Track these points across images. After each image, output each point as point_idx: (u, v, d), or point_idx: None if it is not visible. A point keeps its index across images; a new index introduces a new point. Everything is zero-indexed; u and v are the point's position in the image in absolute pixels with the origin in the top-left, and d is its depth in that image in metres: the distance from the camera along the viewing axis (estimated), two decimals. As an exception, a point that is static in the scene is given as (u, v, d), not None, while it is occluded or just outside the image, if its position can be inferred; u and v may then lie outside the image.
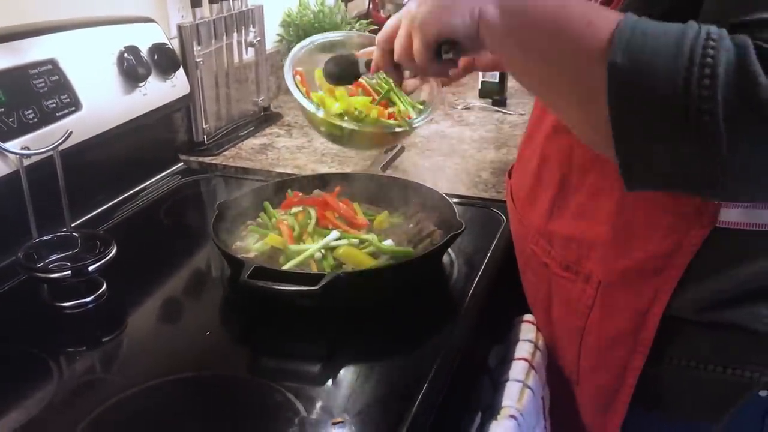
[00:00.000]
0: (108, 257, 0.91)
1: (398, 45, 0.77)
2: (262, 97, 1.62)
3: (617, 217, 0.76)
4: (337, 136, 0.97)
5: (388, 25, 0.79)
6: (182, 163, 1.38)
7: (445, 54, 0.72)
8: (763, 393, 0.75)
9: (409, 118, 0.98)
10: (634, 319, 0.77)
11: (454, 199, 1.09)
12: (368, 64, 0.87)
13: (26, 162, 0.95)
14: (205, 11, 1.40)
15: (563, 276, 0.85)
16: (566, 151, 0.82)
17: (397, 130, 0.96)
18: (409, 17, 0.74)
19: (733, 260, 0.72)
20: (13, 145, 0.94)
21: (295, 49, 1.01)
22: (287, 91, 1.81)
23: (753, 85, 0.52)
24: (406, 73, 0.86)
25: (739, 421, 0.77)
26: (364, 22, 1.91)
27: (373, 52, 0.83)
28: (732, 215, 0.71)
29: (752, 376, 0.74)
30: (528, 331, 0.95)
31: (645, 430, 0.84)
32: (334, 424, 0.70)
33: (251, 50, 1.56)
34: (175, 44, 1.33)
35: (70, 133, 0.99)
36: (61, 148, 0.99)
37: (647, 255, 0.75)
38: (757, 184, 0.58)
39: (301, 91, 0.96)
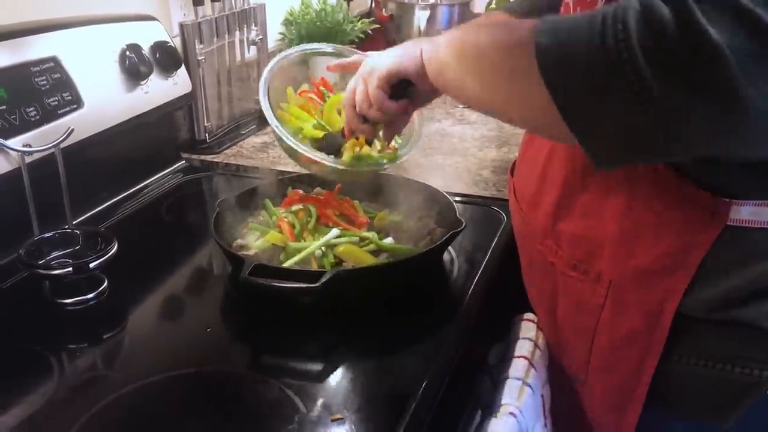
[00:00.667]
0: (109, 254, 0.92)
1: (358, 97, 0.85)
2: (264, 96, 1.62)
3: (626, 216, 0.76)
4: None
5: (349, 88, 0.87)
6: (184, 161, 1.38)
7: (398, 93, 0.83)
8: None
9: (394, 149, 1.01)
10: (647, 318, 0.77)
11: (455, 198, 1.09)
12: (342, 132, 0.95)
13: (28, 159, 0.95)
14: (207, 9, 1.40)
15: (571, 276, 0.84)
16: (572, 149, 0.81)
17: (386, 166, 0.98)
18: (362, 71, 0.84)
19: (745, 259, 0.72)
20: (15, 142, 0.94)
21: (271, 65, 1.01)
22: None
23: (662, 23, 0.52)
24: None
25: (749, 420, 0.77)
26: (367, 20, 1.91)
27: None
28: (743, 213, 0.70)
29: (761, 375, 0.74)
30: (528, 329, 0.95)
31: (656, 429, 0.84)
32: (333, 420, 0.71)
33: (253, 48, 1.56)
34: (177, 42, 1.33)
35: (72, 130, 1.00)
36: (62, 145, 0.99)
37: (658, 254, 0.75)
38: (699, 139, 0.57)
39: (280, 123, 0.96)
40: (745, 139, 0.58)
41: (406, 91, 0.83)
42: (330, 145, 0.97)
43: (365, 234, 0.96)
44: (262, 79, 0.97)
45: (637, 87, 0.54)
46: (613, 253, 0.79)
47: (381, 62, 0.81)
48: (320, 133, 0.99)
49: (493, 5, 1.72)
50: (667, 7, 0.53)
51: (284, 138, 0.93)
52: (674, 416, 0.81)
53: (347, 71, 1.01)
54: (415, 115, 1.01)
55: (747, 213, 0.70)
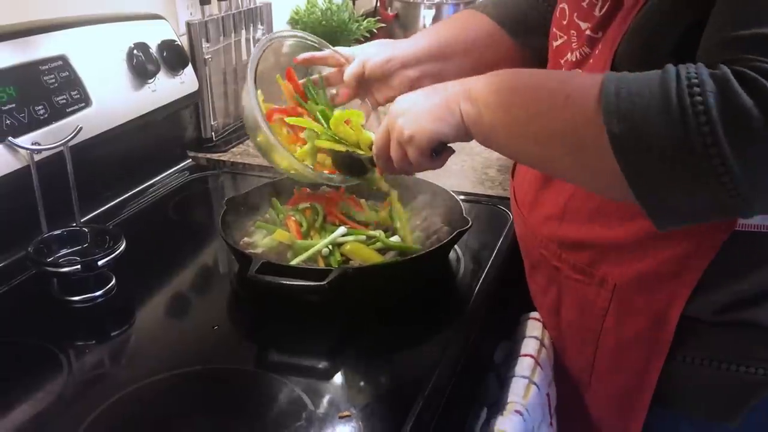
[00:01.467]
0: (117, 252, 0.92)
1: (397, 159, 0.79)
2: (270, 94, 1.63)
3: (632, 222, 0.76)
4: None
5: (380, 140, 0.80)
6: (190, 160, 1.39)
7: (438, 154, 0.78)
8: None
9: None
10: (652, 321, 0.77)
11: (461, 197, 1.09)
12: (371, 161, 0.87)
13: (37, 157, 0.96)
14: (214, 8, 1.41)
15: (576, 279, 0.85)
16: None
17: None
18: (395, 133, 0.77)
19: (754, 263, 0.72)
20: (24, 140, 0.95)
21: (262, 43, 0.93)
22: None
23: (747, 115, 0.53)
24: None
25: (755, 420, 0.77)
26: (372, 20, 1.91)
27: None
28: (754, 219, 0.71)
29: (766, 374, 0.74)
30: (534, 328, 0.95)
31: (662, 430, 0.84)
32: (341, 417, 0.71)
33: (259, 47, 1.56)
34: (183, 41, 1.33)
35: (80, 128, 1.00)
36: (71, 143, 0.99)
37: (664, 259, 0.75)
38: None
39: (273, 134, 0.87)
40: None
41: (445, 146, 0.79)
42: (355, 169, 0.90)
43: (372, 233, 0.96)
44: (249, 71, 0.88)
45: (725, 179, 0.54)
46: (617, 258, 0.79)
47: (418, 131, 0.74)
48: (341, 147, 0.91)
49: (498, 4, 1.72)
50: (749, 97, 0.53)
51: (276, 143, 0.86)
52: (680, 416, 0.82)
53: (313, 64, 0.97)
54: None
55: (758, 218, 0.71)
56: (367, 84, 0.97)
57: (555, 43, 0.86)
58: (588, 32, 0.79)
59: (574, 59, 0.81)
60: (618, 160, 0.58)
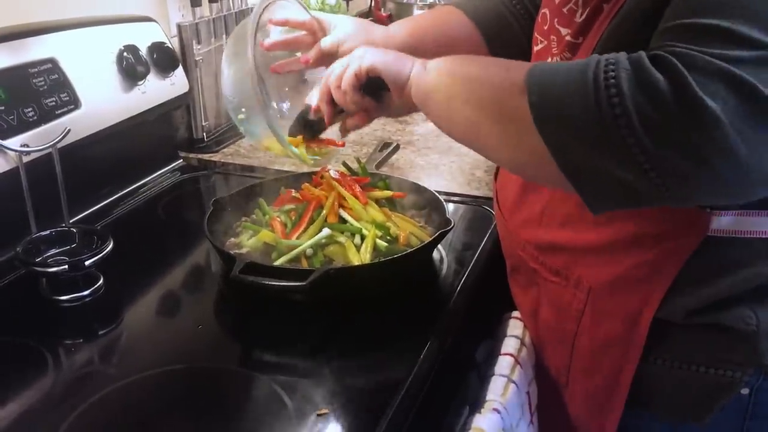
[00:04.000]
0: (104, 252, 0.93)
1: (334, 72, 0.84)
2: (262, 95, 1.64)
3: (607, 226, 0.78)
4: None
5: (334, 64, 0.85)
6: (181, 160, 1.40)
7: (370, 91, 0.82)
8: (744, 391, 0.77)
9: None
10: (626, 324, 0.79)
11: (448, 197, 1.11)
12: (310, 109, 0.93)
13: (26, 159, 0.97)
14: (205, 10, 1.42)
15: (553, 281, 0.86)
16: None
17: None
18: (353, 54, 0.83)
19: (725, 268, 0.74)
20: (13, 142, 0.97)
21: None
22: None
23: (655, 88, 0.55)
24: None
25: (722, 420, 0.79)
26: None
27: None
28: (723, 223, 0.72)
29: (734, 375, 0.76)
30: (515, 327, 0.97)
31: (634, 429, 0.85)
32: (318, 415, 0.72)
33: (251, 48, 1.57)
34: (175, 43, 1.35)
35: (68, 131, 1.01)
36: (59, 145, 1.01)
37: (636, 263, 0.77)
38: (693, 195, 0.60)
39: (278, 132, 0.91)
40: (739, 193, 0.61)
41: (378, 94, 0.83)
42: (302, 125, 0.95)
43: (358, 225, 0.97)
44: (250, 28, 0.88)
45: (635, 150, 0.56)
46: (592, 261, 0.81)
47: (371, 54, 0.81)
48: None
49: (490, 5, 1.73)
50: (660, 74, 0.55)
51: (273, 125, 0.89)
52: (653, 417, 0.83)
53: (289, 27, 0.98)
54: None
55: (727, 223, 0.72)
56: (333, 59, 0.98)
57: (536, 48, 0.88)
58: (568, 38, 0.80)
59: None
60: (538, 131, 0.61)
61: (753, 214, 0.72)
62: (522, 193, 0.90)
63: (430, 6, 1.93)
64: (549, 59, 0.84)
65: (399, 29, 1.01)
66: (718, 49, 0.55)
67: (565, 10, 0.81)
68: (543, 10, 0.86)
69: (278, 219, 1.00)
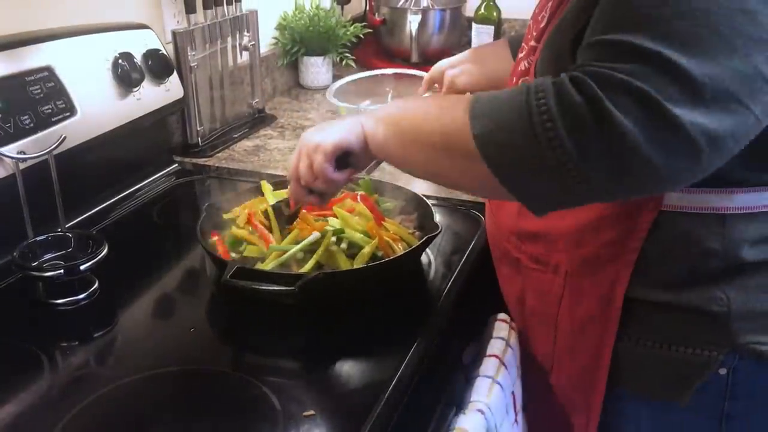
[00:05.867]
0: (99, 256, 0.96)
1: (302, 170, 0.87)
2: (257, 99, 1.66)
3: (576, 212, 0.84)
4: None
5: (292, 164, 0.90)
6: (177, 165, 1.42)
7: (342, 167, 0.86)
8: (722, 371, 0.81)
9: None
10: (601, 303, 0.84)
11: (436, 202, 1.13)
12: (286, 202, 1.00)
13: (22, 165, 1.00)
14: (200, 17, 1.44)
15: (534, 268, 0.92)
16: None
17: None
18: (304, 147, 0.87)
19: (681, 242, 0.79)
20: (10, 149, 0.99)
21: None
22: (282, 93, 1.86)
23: (576, 110, 0.61)
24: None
25: (702, 399, 0.83)
26: (359, 25, 1.95)
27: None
28: (673, 198, 0.78)
29: (710, 355, 0.80)
30: (501, 329, 0.99)
31: (619, 409, 0.89)
32: (305, 416, 0.75)
33: (246, 54, 1.60)
34: (170, 49, 1.37)
35: (64, 138, 1.04)
36: (55, 152, 1.03)
37: (602, 243, 0.83)
38: (620, 184, 0.65)
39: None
40: (659, 190, 0.72)
41: (348, 161, 0.87)
42: (281, 218, 1.02)
43: (351, 228, 0.99)
44: None
45: (569, 165, 0.62)
46: (566, 246, 0.86)
47: (325, 138, 0.84)
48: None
49: (482, 10, 1.75)
50: (578, 95, 0.61)
51: None
52: (635, 395, 0.88)
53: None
54: None
55: (677, 198, 0.78)
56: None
57: (519, 55, 0.94)
58: (532, 42, 0.88)
59: (523, 68, 0.90)
60: (483, 157, 0.66)
61: (697, 191, 0.77)
62: None
63: (424, 11, 1.95)
64: (521, 64, 0.91)
65: (469, 49, 1.24)
66: (626, 63, 0.61)
67: (539, 18, 0.88)
68: (530, 22, 0.92)
69: (259, 225, 1.01)
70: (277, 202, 1.04)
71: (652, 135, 0.59)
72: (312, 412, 0.75)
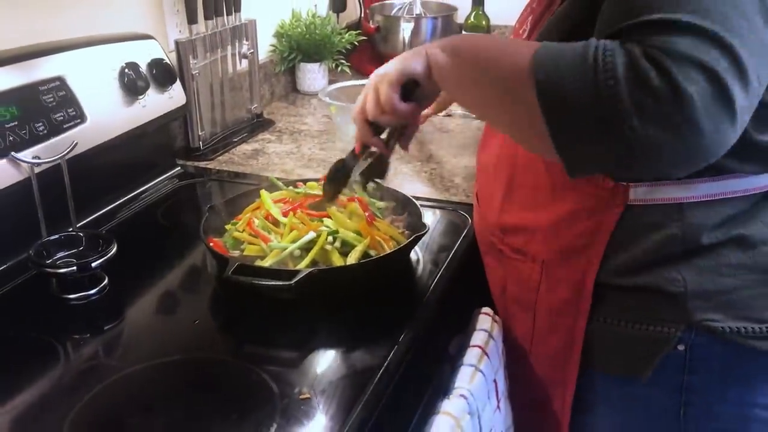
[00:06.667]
0: (109, 254, 1.02)
1: (369, 104, 0.92)
2: (255, 105, 1.73)
3: (552, 207, 0.92)
4: None
5: (359, 100, 0.95)
6: (179, 168, 1.49)
7: (407, 95, 0.89)
8: (680, 347, 0.88)
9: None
10: (573, 288, 0.92)
11: (426, 202, 1.19)
12: (352, 153, 1.03)
13: (36, 170, 1.06)
14: (201, 27, 1.51)
15: (515, 258, 1.00)
16: (512, 154, 0.97)
17: None
18: (372, 80, 0.91)
19: (644, 231, 0.87)
20: (26, 154, 1.05)
21: None
22: (279, 98, 1.93)
23: (645, 77, 0.64)
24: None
25: (664, 374, 0.90)
26: (354, 32, 2.02)
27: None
28: (639, 193, 0.85)
29: (670, 332, 0.87)
30: (484, 321, 1.06)
31: (590, 384, 0.97)
32: (301, 399, 0.81)
33: (245, 61, 1.66)
34: (172, 57, 1.43)
35: (76, 144, 1.11)
36: (67, 157, 1.10)
37: (575, 235, 0.90)
38: (659, 162, 0.70)
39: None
40: (695, 165, 0.70)
41: (414, 94, 0.90)
42: (338, 175, 1.07)
43: (346, 228, 1.05)
44: None
45: (624, 125, 0.65)
46: (543, 237, 0.94)
47: (390, 67, 0.89)
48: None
49: (472, 19, 1.82)
50: (650, 65, 0.65)
51: None
52: (606, 375, 0.95)
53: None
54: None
55: (642, 192, 0.85)
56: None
57: None
58: (524, 36, 0.95)
59: None
60: (540, 105, 0.69)
61: (661, 184, 0.84)
62: (491, 186, 1.03)
63: (416, 19, 2.02)
64: None
65: None
66: (682, 37, 0.64)
67: (520, 31, 0.97)
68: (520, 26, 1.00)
69: (254, 222, 1.08)
70: (343, 159, 1.07)
71: (710, 107, 0.63)
72: (308, 394, 0.82)
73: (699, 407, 0.91)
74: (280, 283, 0.93)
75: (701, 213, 0.84)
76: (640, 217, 0.86)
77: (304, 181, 1.20)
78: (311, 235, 1.04)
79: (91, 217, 1.25)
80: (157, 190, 1.40)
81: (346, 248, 1.04)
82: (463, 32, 1.83)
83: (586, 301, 0.91)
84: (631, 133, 0.65)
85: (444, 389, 1.00)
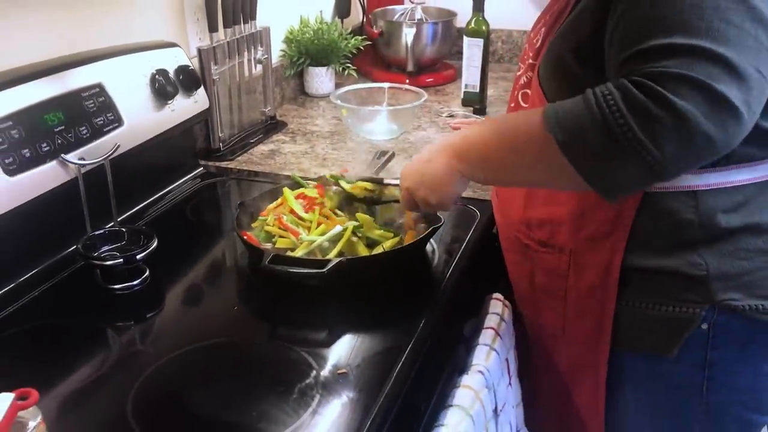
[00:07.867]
0: (151, 248, 1.11)
1: (422, 208, 1.07)
2: (269, 107, 1.82)
3: (575, 200, 1.00)
4: None
5: (404, 204, 1.09)
6: (202, 168, 1.58)
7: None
8: (704, 326, 0.96)
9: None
10: (601, 274, 1.00)
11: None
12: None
13: (83, 170, 1.15)
14: (221, 35, 1.59)
15: (542, 251, 1.08)
16: None
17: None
18: (422, 204, 1.04)
19: (662, 216, 0.95)
20: (72, 156, 1.14)
21: None
22: (289, 101, 2.01)
23: (644, 108, 0.74)
24: None
25: (687, 351, 0.98)
26: (359, 37, 2.11)
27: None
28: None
29: (694, 312, 0.96)
30: (496, 305, 1.16)
31: (619, 364, 1.05)
32: (339, 374, 0.91)
33: (259, 66, 1.75)
34: (194, 63, 1.52)
35: (118, 146, 1.19)
36: (110, 158, 1.18)
37: (599, 222, 0.99)
38: (686, 169, 0.81)
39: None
40: (713, 158, 0.80)
41: None
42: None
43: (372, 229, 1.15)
44: None
45: (643, 152, 0.75)
46: (569, 229, 1.03)
47: (442, 198, 1.01)
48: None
49: (472, 25, 1.91)
50: (640, 95, 0.75)
51: None
52: (634, 354, 1.04)
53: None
54: None
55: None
56: None
57: (517, 73, 1.12)
58: (530, 60, 1.05)
59: (523, 81, 1.08)
60: (568, 160, 0.80)
61: None
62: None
63: (418, 24, 2.12)
64: (521, 79, 1.08)
65: None
66: (671, 59, 0.74)
67: (534, 41, 1.06)
68: (525, 45, 1.11)
69: (285, 221, 1.17)
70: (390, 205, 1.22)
71: (709, 112, 0.72)
72: (344, 370, 0.91)
73: (720, 381, 0.99)
74: (314, 270, 1.02)
75: (714, 199, 0.92)
76: (658, 204, 0.94)
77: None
78: (338, 228, 1.13)
79: (124, 215, 1.33)
80: (183, 189, 1.48)
81: (369, 241, 1.14)
82: (464, 37, 1.92)
83: (613, 285, 0.99)
84: (652, 158, 0.75)
85: (460, 367, 1.09)
